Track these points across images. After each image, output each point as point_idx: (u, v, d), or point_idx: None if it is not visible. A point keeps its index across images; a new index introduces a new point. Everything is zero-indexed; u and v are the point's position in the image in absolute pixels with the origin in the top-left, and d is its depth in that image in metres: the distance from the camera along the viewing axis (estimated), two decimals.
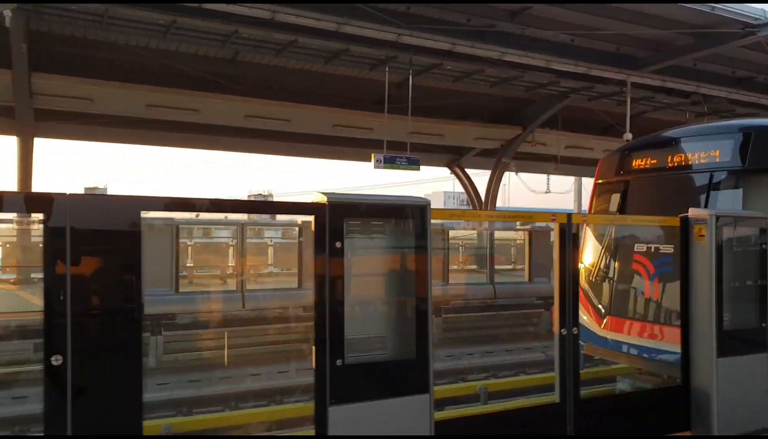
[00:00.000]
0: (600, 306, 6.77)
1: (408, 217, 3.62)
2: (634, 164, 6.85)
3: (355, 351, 3.41)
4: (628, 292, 6.51)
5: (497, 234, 17.02)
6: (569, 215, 4.14)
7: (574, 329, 4.02)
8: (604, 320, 6.58)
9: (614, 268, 6.72)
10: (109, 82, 15.92)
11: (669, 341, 5.76)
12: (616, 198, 6.84)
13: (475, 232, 18.25)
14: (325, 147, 19.83)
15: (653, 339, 5.92)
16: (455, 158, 22.50)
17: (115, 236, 2.90)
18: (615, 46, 14.83)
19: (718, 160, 5.99)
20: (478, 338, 11.90)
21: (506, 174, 21.72)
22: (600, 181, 7.27)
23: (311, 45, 14.31)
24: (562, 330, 4.01)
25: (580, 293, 7.15)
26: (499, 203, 22.30)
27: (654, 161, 6.64)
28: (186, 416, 7.41)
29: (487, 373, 9.87)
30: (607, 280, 6.78)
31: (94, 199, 2.85)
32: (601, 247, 6.97)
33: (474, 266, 18.12)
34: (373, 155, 15.16)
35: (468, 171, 23.03)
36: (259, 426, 5.24)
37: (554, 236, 4.10)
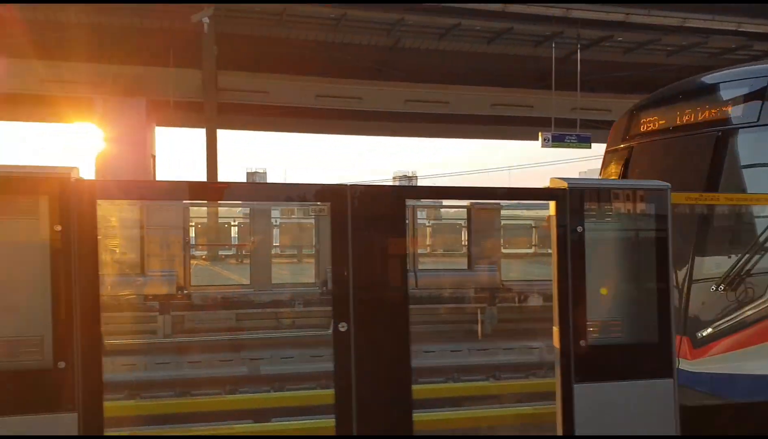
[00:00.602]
0: None
1: (647, 200, 3.58)
2: (641, 127, 5.45)
3: (595, 333, 3.48)
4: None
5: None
6: None
7: None
8: None
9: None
10: (282, 75, 17.21)
11: None
12: (618, 169, 5.56)
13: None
14: (483, 127, 19.78)
15: None
16: None
17: (385, 220, 3.23)
18: None
19: (729, 115, 4.68)
20: None
21: None
22: (609, 149, 5.92)
23: (474, 27, 14.32)
24: None
25: None
26: None
27: (662, 122, 5.27)
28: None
29: None
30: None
31: (369, 189, 3.19)
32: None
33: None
34: (540, 134, 14.81)
35: None
36: (510, 397, 5.49)
37: None
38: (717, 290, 4.30)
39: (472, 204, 11.65)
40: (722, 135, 4.61)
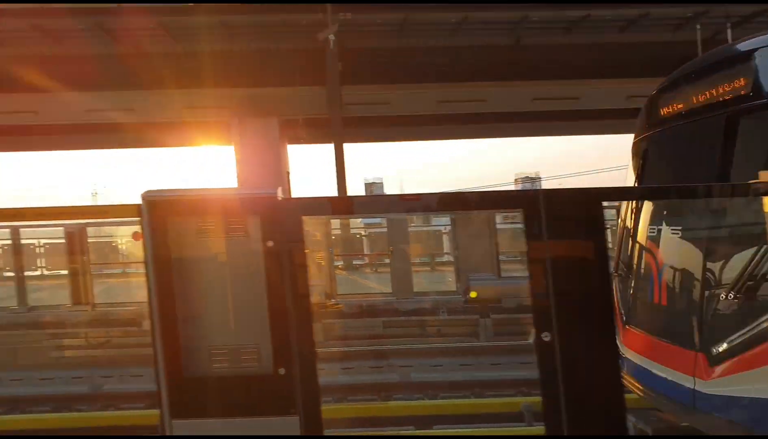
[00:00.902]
0: (621, 311, 4.86)
1: None
2: (662, 112, 4.69)
3: None
4: (645, 293, 4.58)
5: None
6: None
7: None
8: (624, 331, 4.78)
9: (634, 258, 4.85)
10: (403, 84, 17.39)
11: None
12: (639, 162, 4.89)
13: None
14: (616, 122, 18.68)
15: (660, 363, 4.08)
16: None
17: (582, 224, 3.08)
18: None
19: (741, 93, 3.90)
20: None
21: None
22: (635, 139, 5.16)
23: (604, 16, 13.62)
24: None
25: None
26: None
27: (679, 106, 4.49)
28: None
29: None
30: (630, 275, 4.85)
31: (561, 192, 3.07)
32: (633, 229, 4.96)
33: None
34: None
35: None
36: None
37: None
38: (729, 297, 3.65)
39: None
40: (733, 117, 3.92)
